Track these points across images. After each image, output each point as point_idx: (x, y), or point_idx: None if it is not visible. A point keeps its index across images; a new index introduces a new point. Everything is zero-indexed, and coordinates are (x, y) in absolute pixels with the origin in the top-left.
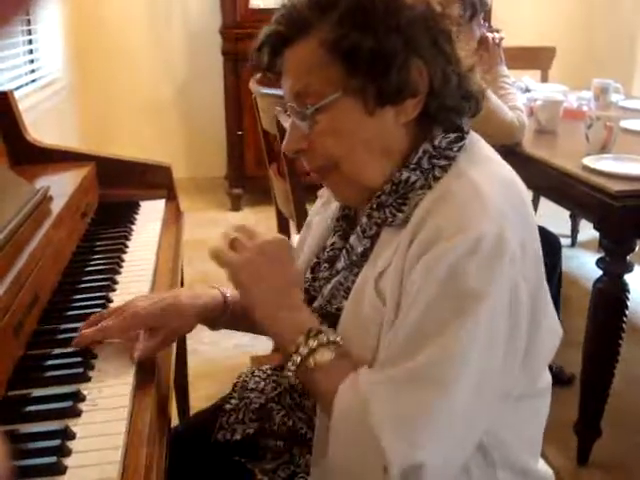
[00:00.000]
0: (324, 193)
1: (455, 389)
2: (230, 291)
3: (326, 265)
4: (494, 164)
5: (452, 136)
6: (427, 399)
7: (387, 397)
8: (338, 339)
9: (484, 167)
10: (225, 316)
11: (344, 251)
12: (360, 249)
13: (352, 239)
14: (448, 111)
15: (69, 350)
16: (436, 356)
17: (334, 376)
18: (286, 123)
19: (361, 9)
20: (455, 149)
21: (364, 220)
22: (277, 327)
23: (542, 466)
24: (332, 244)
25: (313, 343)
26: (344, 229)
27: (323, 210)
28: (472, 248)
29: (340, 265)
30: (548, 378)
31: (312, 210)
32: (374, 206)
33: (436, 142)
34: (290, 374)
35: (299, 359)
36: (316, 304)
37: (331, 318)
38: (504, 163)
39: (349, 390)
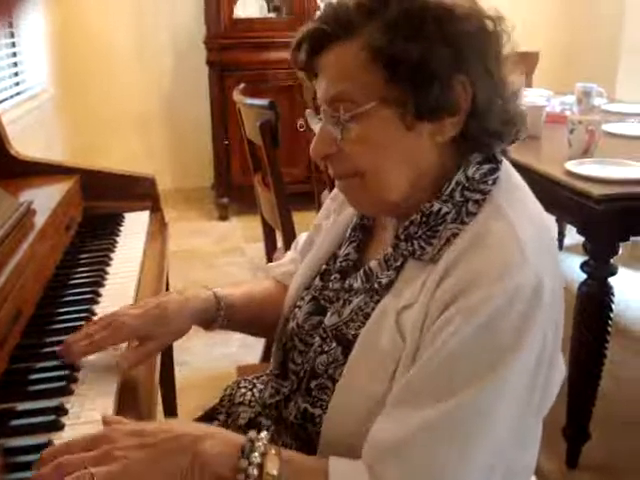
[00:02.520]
0: (337, 196)
1: (477, 444)
2: (223, 291)
3: (337, 276)
4: (527, 199)
5: (486, 167)
6: (448, 453)
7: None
8: (266, 435)
9: (520, 205)
10: (219, 317)
11: (362, 272)
12: (385, 280)
13: (373, 265)
14: (489, 135)
15: (52, 364)
16: (461, 408)
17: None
18: (315, 126)
19: (410, 16)
20: (490, 182)
21: (390, 250)
22: (207, 462)
23: None
24: (346, 255)
25: (257, 457)
26: (360, 240)
27: (336, 214)
28: (511, 299)
29: (356, 284)
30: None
31: (321, 212)
32: (402, 237)
33: (469, 173)
34: None
35: None
36: (328, 322)
37: (345, 342)
38: (532, 195)
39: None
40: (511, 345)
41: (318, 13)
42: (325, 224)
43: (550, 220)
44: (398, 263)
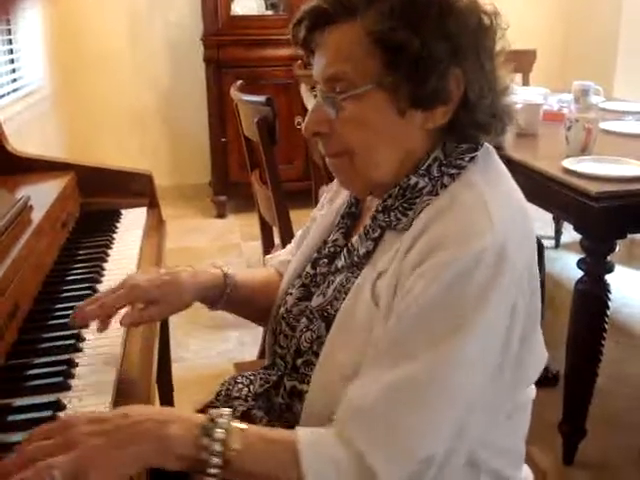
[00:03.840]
0: (331, 187)
1: (441, 407)
2: (233, 271)
3: (325, 260)
4: (503, 179)
5: (464, 146)
6: (411, 416)
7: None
8: (229, 412)
9: (494, 181)
10: (224, 296)
11: (345, 250)
12: (363, 251)
13: (354, 240)
14: (476, 128)
15: (49, 359)
16: (424, 370)
17: (271, 448)
18: (309, 103)
19: (414, 6)
20: (466, 159)
21: (368, 222)
22: (171, 445)
23: (525, 473)
24: (334, 240)
25: (220, 433)
26: (347, 226)
27: (329, 205)
28: (476, 260)
29: (340, 263)
30: (532, 392)
31: (319, 204)
32: (380, 209)
33: (447, 150)
34: None
35: (218, 460)
36: (314, 303)
37: (329, 319)
38: (512, 180)
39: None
40: (474, 307)
41: None
42: (319, 215)
43: (529, 207)
44: (376, 234)
